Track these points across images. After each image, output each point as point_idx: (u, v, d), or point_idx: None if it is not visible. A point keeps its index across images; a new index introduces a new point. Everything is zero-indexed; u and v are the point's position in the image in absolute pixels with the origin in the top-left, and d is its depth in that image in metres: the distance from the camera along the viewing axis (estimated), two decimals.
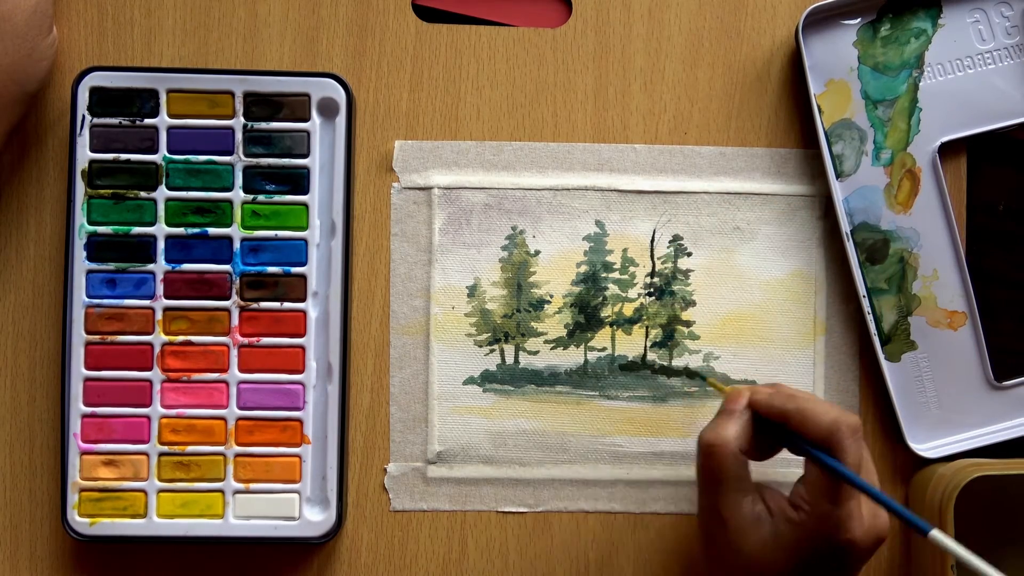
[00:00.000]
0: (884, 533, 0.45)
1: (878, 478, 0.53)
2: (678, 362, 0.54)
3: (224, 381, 0.52)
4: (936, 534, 0.41)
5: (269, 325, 0.52)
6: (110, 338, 0.51)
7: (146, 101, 0.52)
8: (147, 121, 0.52)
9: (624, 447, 0.54)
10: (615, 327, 0.54)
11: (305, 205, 0.52)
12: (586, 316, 0.54)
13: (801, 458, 0.47)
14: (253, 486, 0.51)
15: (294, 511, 0.51)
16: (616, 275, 0.54)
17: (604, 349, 0.54)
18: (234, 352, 0.52)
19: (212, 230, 0.52)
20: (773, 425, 0.47)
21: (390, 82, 0.54)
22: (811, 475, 0.45)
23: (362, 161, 0.54)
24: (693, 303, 0.54)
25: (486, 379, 0.54)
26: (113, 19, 0.53)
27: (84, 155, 0.51)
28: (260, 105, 0.52)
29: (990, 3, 0.53)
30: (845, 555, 0.44)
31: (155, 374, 0.51)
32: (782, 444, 0.48)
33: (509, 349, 0.54)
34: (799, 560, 0.44)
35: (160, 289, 0.52)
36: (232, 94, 0.52)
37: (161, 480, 0.51)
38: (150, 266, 0.52)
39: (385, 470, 0.53)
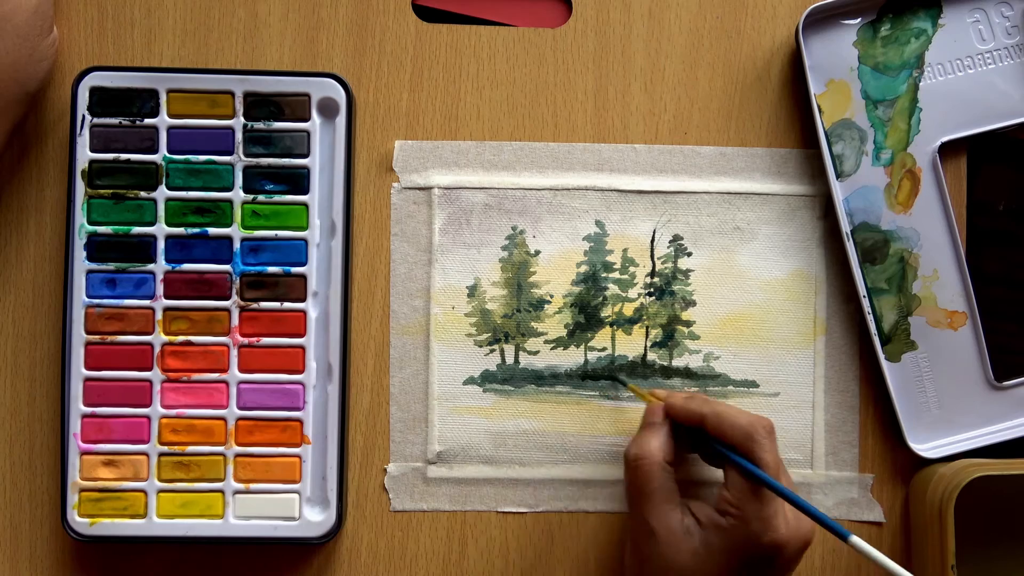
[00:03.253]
0: (809, 536, 0.46)
1: (874, 479, 0.54)
2: (678, 362, 0.54)
3: (224, 381, 0.52)
4: (855, 540, 0.42)
5: (269, 325, 0.52)
6: (110, 338, 0.51)
7: (146, 101, 0.52)
8: (147, 121, 0.52)
9: (624, 447, 0.53)
10: (615, 327, 0.54)
11: (305, 205, 0.52)
12: (586, 316, 0.54)
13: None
14: (253, 486, 0.51)
15: (294, 511, 0.51)
16: (616, 275, 0.54)
17: (604, 349, 0.54)
18: (234, 352, 0.52)
19: (212, 230, 0.52)
20: (688, 432, 0.48)
21: (390, 82, 0.54)
22: (733, 479, 0.46)
23: (362, 161, 0.54)
24: (693, 303, 0.54)
25: (486, 379, 0.54)
26: (113, 19, 0.53)
27: (84, 155, 0.51)
28: (260, 105, 0.52)
29: (990, 3, 0.53)
30: (773, 557, 0.45)
31: (155, 374, 0.51)
32: (696, 450, 0.50)
33: (509, 349, 0.54)
34: (729, 568, 0.45)
35: (160, 289, 0.52)
36: (232, 94, 0.52)
37: (161, 480, 0.51)
38: (150, 266, 0.52)
39: (385, 470, 0.53)
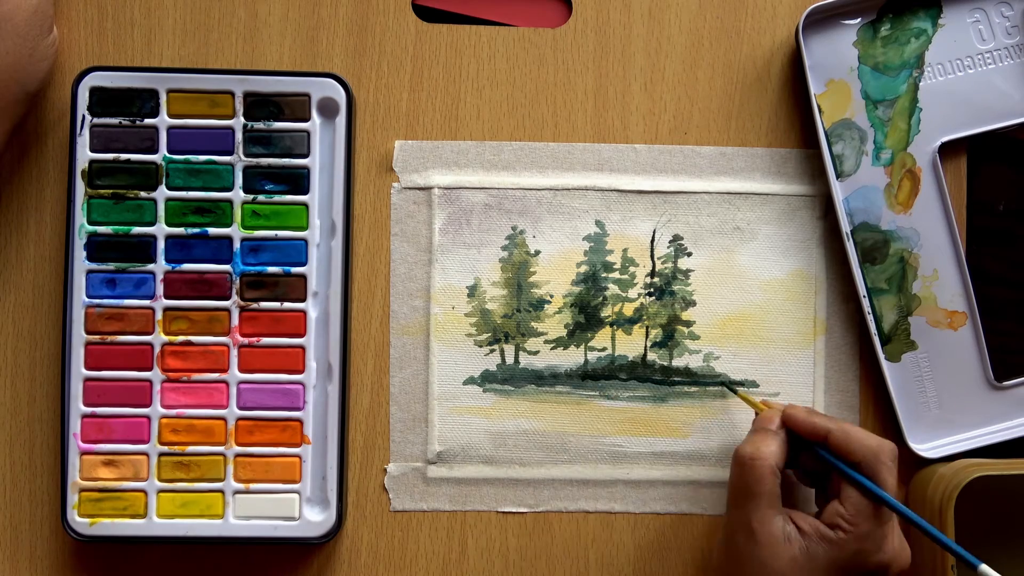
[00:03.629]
0: (908, 563, 0.47)
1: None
2: (678, 362, 0.54)
3: (224, 381, 0.52)
4: (985, 568, 0.43)
5: (269, 325, 0.52)
6: (110, 338, 0.51)
7: (146, 101, 0.52)
8: (147, 121, 0.52)
9: (624, 447, 0.54)
10: (615, 327, 0.54)
11: (305, 205, 0.52)
12: (586, 316, 0.54)
13: None
14: (253, 486, 0.51)
15: (294, 511, 0.51)
16: (616, 275, 0.54)
17: (604, 349, 0.54)
18: (234, 352, 0.52)
19: (212, 230, 0.52)
20: (798, 444, 0.48)
21: (390, 82, 0.54)
22: (851, 495, 0.46)
23: (362, 161, 0.54)
24: (693, 303, 0.54)
25: (486, 379, 0.54)
26: (113, 19, 0.53)
27: (84, 155, 0.51)
28: (260, 105, 0.52)
29: (990, 3, 0.53)
30: None
31: (155, 374, 0.51)
32: (792, 466, 0.49)
33: (509, 349, 0.54)
34: None
35: (160, 289, 0.52)
36: (232, 94, 0.52)
37: (161, 480, 0.51)
38: (150, 266, 0.52)
39: (385, 470, 0.53)
